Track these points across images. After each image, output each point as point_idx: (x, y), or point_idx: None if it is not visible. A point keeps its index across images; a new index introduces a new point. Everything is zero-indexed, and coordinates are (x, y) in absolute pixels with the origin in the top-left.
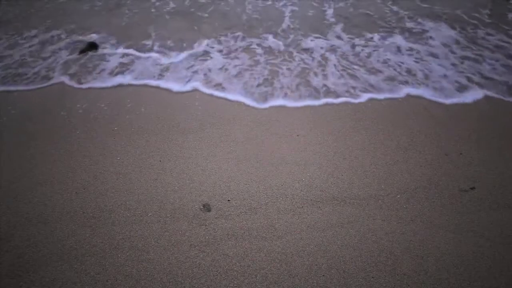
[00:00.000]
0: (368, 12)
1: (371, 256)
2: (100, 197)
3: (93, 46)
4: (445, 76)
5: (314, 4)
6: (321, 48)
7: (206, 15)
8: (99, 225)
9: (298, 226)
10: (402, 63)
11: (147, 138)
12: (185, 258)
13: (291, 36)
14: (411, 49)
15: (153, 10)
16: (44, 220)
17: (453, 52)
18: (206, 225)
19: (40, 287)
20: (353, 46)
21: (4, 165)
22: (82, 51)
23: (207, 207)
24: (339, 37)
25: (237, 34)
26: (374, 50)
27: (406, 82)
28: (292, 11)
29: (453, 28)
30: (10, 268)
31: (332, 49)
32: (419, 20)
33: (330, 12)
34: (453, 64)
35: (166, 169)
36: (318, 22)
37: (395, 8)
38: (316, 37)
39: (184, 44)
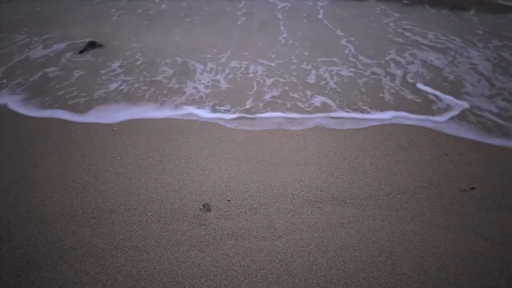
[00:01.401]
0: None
1: (371, 256)
2: (100, 197)
3: (93, 44)
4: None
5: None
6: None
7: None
8: (99, 225)
9: (298, 226)
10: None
11: (147, 138)
12: (185, 258)
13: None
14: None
15: (140, 11)
16: (44, 220)
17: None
18: (206, 225)
19: (40, 287)
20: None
21: (4, 165)
22: (82, 51)
23: (207, 207)
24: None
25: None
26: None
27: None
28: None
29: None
30: (10, 268)
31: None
32: (421, 29)
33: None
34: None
35: (166, 169)
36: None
37: (383, 6)
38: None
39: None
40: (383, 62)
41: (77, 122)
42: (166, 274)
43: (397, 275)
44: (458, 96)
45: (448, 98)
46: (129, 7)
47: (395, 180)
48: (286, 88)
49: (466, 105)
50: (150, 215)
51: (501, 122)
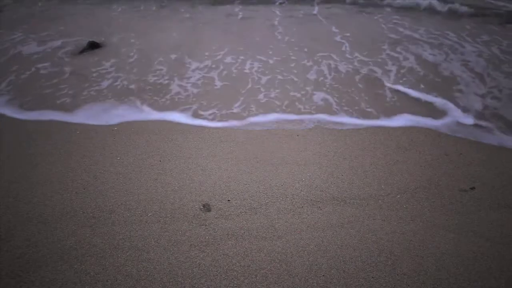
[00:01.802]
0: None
1: (371, 256)
2: (100, 197)
3: (94, 45)
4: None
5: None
6: None
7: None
8: (99, 225)
9: (298, 226)
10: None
11: (147, 138)
12: (185, 258)
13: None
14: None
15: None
16: (44, 220)
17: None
18: (206, 225)
19: (40, 287)
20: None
21: (4, 165)
22: (82, 51)
23: (207, 207)
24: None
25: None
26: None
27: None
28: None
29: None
30: (10, 268)
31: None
32: (411, 24)
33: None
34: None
35: (166, 169)
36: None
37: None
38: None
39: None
40: (379, 60)
41: (65, 121)
42: (166, 274)
43: (397, 275)
44: (450, 95)
45: (442, 102)
46: (131, 4)
47: (395, 180)
48: (287, 86)
49: (462, 116)
50: (150, 215)
51: (494, 120)
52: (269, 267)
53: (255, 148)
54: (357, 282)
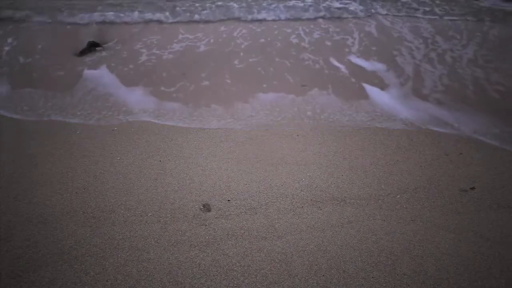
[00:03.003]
0: None
1: (371, 256)
2: (100, 197)
3: (94, 45)
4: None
5: None
6: None
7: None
8: (99, 225)
9: (298, 226)
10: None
11: (147, 138)
12: (185, 258)
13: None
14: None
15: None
16: (44, 220)
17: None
18: (206, 225)
19: (40, 287)
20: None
21: (4, 165)
22: (82, 52)
23: (207, 207)
24: None
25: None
26: None
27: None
28: None
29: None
30: (10, 268)
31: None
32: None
33: None
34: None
35: (166, 169)
36: None
37: None
38: None
39: None
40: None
41: (65, 121)
42: (166, 274)
43: (397, 275)
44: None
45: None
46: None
47: (395, 180)
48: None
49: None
50: (150, 215)
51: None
52: (269, 267)
53: (255, 148)
54: (357, 282)
